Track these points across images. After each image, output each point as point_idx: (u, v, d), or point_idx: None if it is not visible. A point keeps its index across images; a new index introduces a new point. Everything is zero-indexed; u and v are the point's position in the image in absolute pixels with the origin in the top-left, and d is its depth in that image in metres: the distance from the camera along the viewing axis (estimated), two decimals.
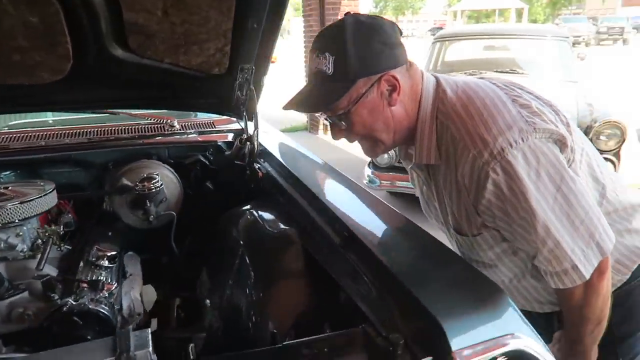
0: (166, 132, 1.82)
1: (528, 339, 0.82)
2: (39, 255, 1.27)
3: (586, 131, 3.30)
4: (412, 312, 0.84)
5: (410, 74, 1.01)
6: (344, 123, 0.99)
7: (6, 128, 1.84)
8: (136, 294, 1.33)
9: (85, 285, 1.18)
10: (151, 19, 1.22)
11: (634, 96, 8.14)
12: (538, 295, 1.12)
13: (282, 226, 1.33)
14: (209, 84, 1.55)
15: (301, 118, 7.29)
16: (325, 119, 1.02)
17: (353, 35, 0.94)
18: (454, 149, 0.99)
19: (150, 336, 0.80)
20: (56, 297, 1.14)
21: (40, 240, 1.27)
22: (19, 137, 1.71)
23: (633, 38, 26.08)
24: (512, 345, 0.80)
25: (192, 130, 1.90)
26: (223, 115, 1.80)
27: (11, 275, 1.20)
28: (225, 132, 1.96)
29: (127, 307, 1.27)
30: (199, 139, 1.84)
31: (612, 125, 3.22)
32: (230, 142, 1.91)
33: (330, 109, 0.97)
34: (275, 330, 1.07)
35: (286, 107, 1.02)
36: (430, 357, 0.78)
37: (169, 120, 1.86)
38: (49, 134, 1.71)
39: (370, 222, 1.16)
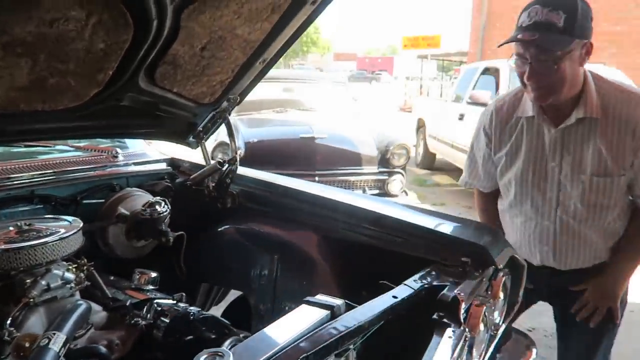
0: (117, 162, 1.78)
1: (512, 249, 1.41)
2: (77, 292, 1.21)
3: (384, 153, 4.37)
4: (458, 248, 1.32)
5: None
6: (554, 66, 1.27)
7: None
8: None
9: (156, 303, 1.20)
10: (187, 52, 1.36)
11: None
12: (611, 240, 1.50)
13: (291, 227, 1.60)
14: (189, 111, 1.68)
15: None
16: (520, 60, 1.31)
17: (580, 6, 1.26)
18: (622, 105, 1.34)
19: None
20: (140, 321, 1.14)
21: (82, 275, 1.20)
22: None
23: (349, 85, 32.78)
24: (510, 252, 1.37)
25: (132, 160, 1.90)
26: (179, 143, 1.88)
27: None
28: (161, 162, 2.01)
29: None
30: (151, 167, 1.87)
31: (402, 146, 4.38)
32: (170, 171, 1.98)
33: (548, 53, 1.26)
34: None
35: (507, 42, 1.32)
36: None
37: (112, 151, 1.81)
38: None
39: (378, 206, 1.58)
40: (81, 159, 1.71)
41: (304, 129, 4.34)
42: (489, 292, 1.30)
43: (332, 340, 0.89)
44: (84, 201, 1.56)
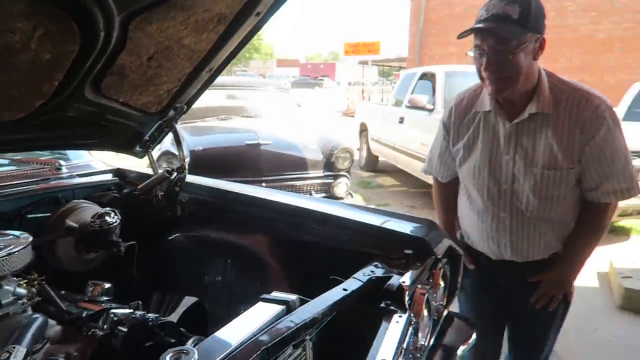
0: (60, 175, 1.74)
1: (449, 240, 1.53)
2: (29, 308, 1.19)
3: (329, 157, 4.48)
4: (401, 242, 1.42)
5: None
6: (509, 57, 1.33)
7: None
8: None
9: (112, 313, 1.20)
10: (134, 62, 1.38)
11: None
12: (563, 231, 1.57)
13: (242, 231, 1.65)
14: (136, 121, 1.68)
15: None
16: (478, 51, 1.38)
17: (534, 2, 1.33)
18: (572, 102, 1.41)
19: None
20: (97, 331, 1.14)
21: (33, 290, 1.18)
22: None
23: (292, 91, 33.06)
24: (448, 242, 1.50)
25: (77, 172, 1.86)
26: (126, 153, 1.87)
27: None
28: (107, 172, 1.99)
29: None
30: (96, 179, 1.84)
31: (346, 150, 4.52)
32: (117, 181, 1.96)
33: (505, 43, 1.32)
34: None
35: (466, 33, 1.37)
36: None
37: (54, 164, 1.77)
38: None
39: (324, 207, 1.66)
40: (23, 172, 1.67)
41: (249, 136, 4.37)
42: (431, 281, 1.42)
43: (289, 332, 0.95)
44: (29, 216, 1.52)
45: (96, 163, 2.03)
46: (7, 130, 1.31)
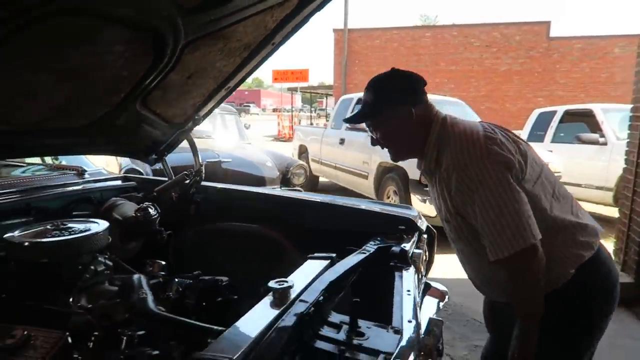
0: (86, 179, 1.93)
1: (425, 220, 1.95)
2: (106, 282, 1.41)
3: (285, 174, 4.83)
4: (394, 221, 1.81)
5: (425, 110, 1.47)
6: (379, 132, 1.51)
7: None
8: None
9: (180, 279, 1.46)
10: (177, 80, 1.67)
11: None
12: (495, 280, 1.50)
13: (257, 222, 1.95)
14: (160, 130, 1.94)
15: None
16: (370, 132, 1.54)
17: (389, 81, 1.47)
18: (444, 160, 1.40)
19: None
20: (171, 294, 1.39)
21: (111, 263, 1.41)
22: None
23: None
24: (426, 222, 1.92)
25: (95, 177, 2.06)
26: (141, 159, 2.09)
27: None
28: (118, 178, 2.20)
29: None
30: (113, 183, 2.05)
31: (300, 167, 4.90)
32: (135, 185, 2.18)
33: (371, 122, 1.50)
34: None
35: (346, 121, 1.57)
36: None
37: (79, 170, 1.97)
38: None
39: (325, 199, 2.02)
40: (58, 176, 1.85)
41: (209, 154, 4.60)
42: (419, 249, 1.82)
43: (340, 275, 1.29)
44: (73, 212, 1.71)
45: (103, 171, 2.23)
46: (69, 136, 1.53)
